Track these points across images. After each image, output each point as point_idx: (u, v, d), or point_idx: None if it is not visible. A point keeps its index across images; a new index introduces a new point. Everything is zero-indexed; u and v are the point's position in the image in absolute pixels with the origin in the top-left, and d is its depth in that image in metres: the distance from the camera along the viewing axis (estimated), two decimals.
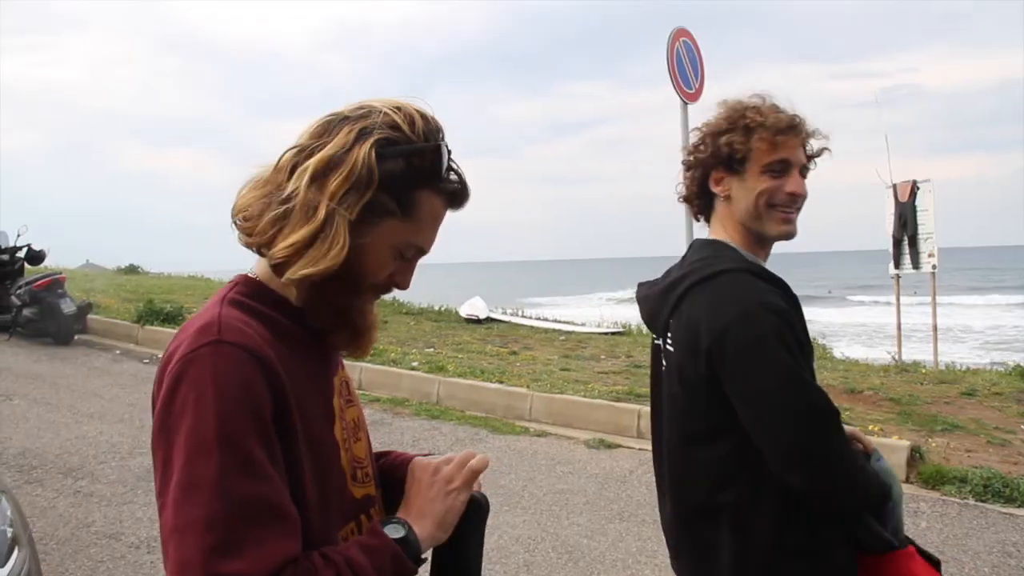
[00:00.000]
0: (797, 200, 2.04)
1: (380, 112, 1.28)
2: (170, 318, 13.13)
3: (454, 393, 9.15)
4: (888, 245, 11.87)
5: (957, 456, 6.50)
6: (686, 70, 7.87)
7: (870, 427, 6.90)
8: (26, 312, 12.78)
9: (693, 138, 2.15)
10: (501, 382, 9.13)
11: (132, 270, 24.85)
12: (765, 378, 1.86)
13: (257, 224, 1.29)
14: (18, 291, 12.99)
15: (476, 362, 10.48)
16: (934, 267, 11.34)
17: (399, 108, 1.30)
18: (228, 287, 1.34)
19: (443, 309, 16.56)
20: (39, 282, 12.87)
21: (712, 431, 1.96)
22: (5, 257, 13.70)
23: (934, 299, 11.51)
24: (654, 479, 2.29)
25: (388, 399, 9.27)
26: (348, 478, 1.36)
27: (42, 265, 14.99)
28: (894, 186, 11.69)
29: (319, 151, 1.26)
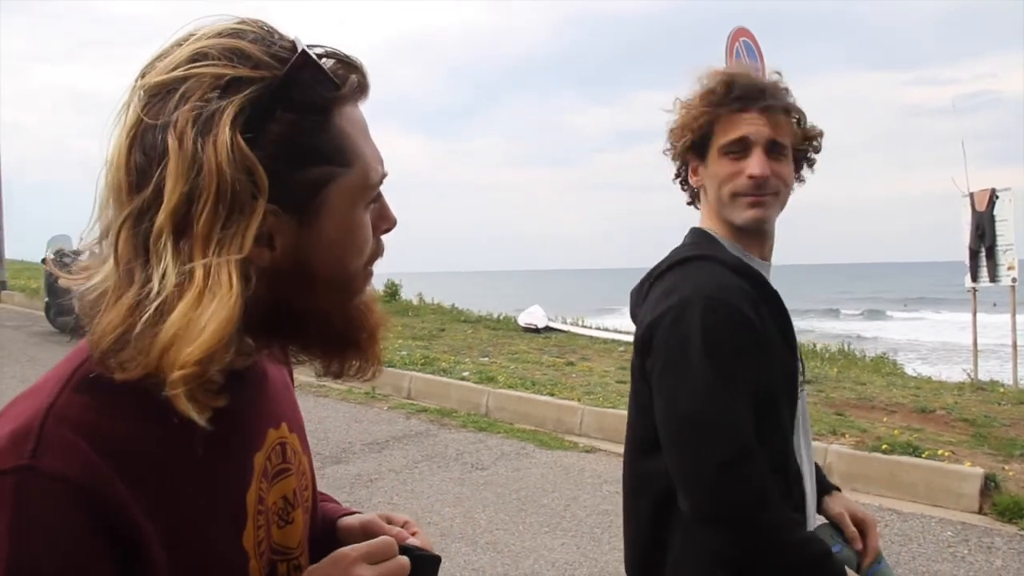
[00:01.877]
0: (764, 184, 1.75)
1: (195, 77, 0.83)
2: None
3: (503, 405, 8.90)
4: (964, 256, 11.30)
5: None
6: None
7: (940, 451, 6.45)
8: None
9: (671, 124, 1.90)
10: (552, 394, 8.85)
11: None
12: (678, 389, 1.64)
13: (128, 360, 0.83)
14: None
15: (529, 373, 10.22)
16: (1014, 280, 10.74)
17: (210, 53, 0.85)
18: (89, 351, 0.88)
19: (501, 317, 16.37)
20: None
21: (654, 440, 1.72)
22: (68, 260, 13.93)
23: (1014, 314, 10.90)
24: None
25: (436, 409, 9.08)
26: None
27: None
28: (971, 195, 11.11)
29: (158, 202, 0.82)
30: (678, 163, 1.90)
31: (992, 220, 10.91)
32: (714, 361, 1.61)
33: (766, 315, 1.71)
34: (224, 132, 0.80)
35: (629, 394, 1.93)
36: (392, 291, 17.83)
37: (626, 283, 2.15)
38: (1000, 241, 10.87)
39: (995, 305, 12.73)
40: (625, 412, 6.88)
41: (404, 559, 1.02)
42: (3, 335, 14.56)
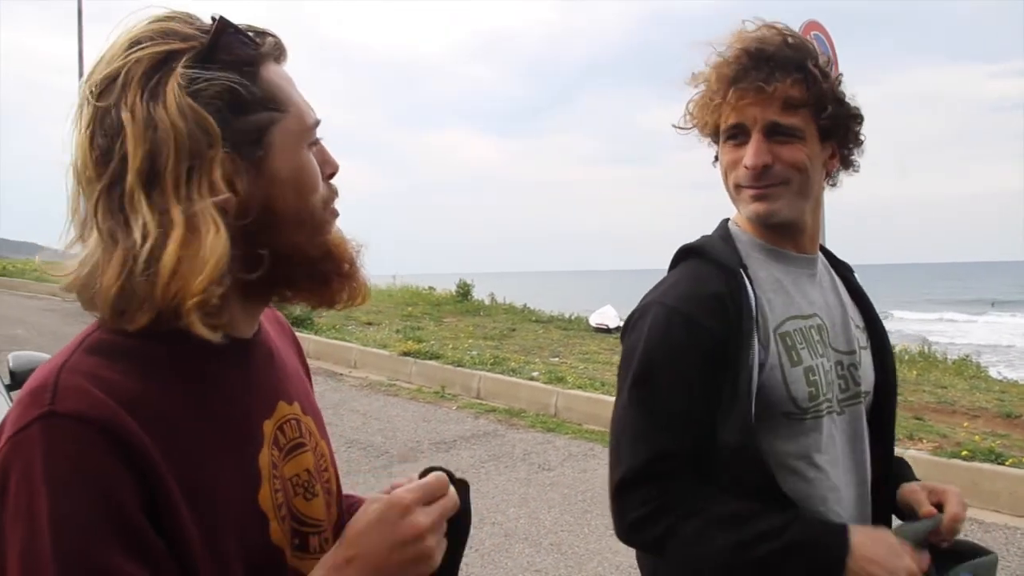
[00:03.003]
0: (765, 174, 1.59)
1: (135, 61, 0.94)
2: (298, 322, 12.91)
3: (572, 405, 8.84)
4: None
5: None
6: None
7: None
8: None
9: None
10: None
11: None
12: (616, 398, 1.65)
13: (134, 310, 0.94)
14: None
15: (599, 373, 10.14)
16: None
17: (142, 38, 0.96)
18: (97, 322, 1.00)
19: (573, 317, 16.30)
20: None
21: None
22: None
23: None
24: None
25: (504, 409, 9.06)
26: (287, 552, 1.05)
27: None
28: None
29: (124, 168, 0.92)
30: (715, 148, 1.74)
31: None
32: (643, 374, 1.57)
33: (740, 324, 1.57)
34: (171, 95, 0.92)
35: None
36: (464, 291, 17.91)
37: None
38: None
39: None
40: None
41: (454, 493, 1.05)
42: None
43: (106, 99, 0.94)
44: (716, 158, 1.73)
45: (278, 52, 1.05)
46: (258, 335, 1.13)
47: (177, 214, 0.91)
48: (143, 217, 0.91)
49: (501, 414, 8.89)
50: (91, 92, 0.96)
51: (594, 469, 6.90)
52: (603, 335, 14.23)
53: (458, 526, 1.07)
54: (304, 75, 1.09)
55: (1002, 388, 9.90)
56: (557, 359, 11.41)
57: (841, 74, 1.67)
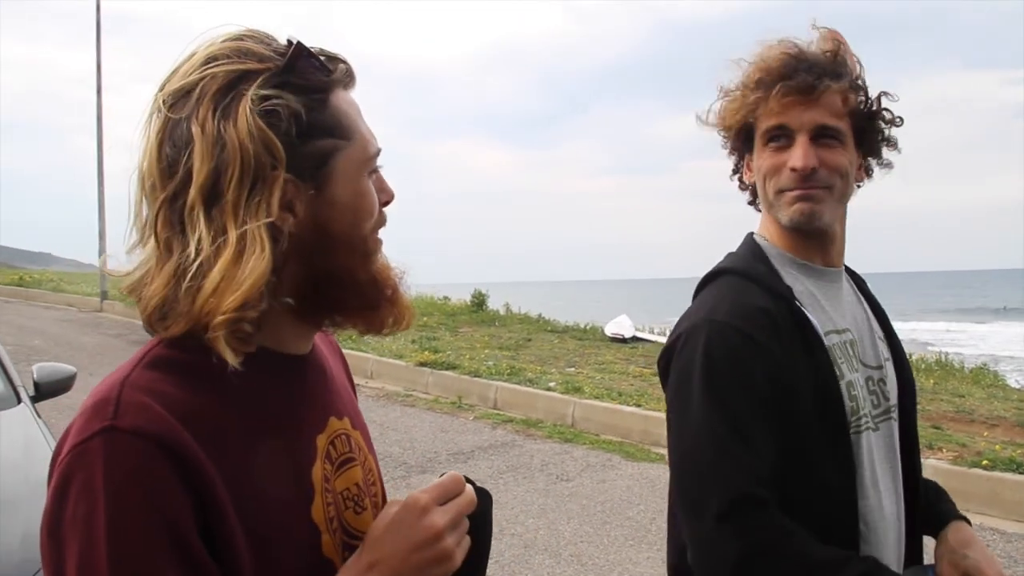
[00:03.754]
0: (811, 177, 1.54)
1: (210, 76, 0.97)
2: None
3: (590, 416, 8.86)
4: None
5: None
6: None
7: None
8: None
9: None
10: (639, 405, 8.77)
11: None
12: (677, 425, 1.52)
13: (173, 319, 0.97)
14: None
15: (616, 383, 10.16)
16: None
17: (220, 55, 0.98)
18: (159, 337, 1.02)
19: (588, 327, 16.30)
20: None
21: None
22: None
23: None
24: None
25: (522, 420, 9.08)
26: (339, 565, 1.06)
27: None
28: None
29: (188, 182, 0.94)
30: (735, 158, 1.70)
31: None
32: (712, 396, 1.46)
33: (790, 340, 1.52)
34: (243, 114, 0.94)
35: None
36: (479, 301, 17.93)
37: None
38: None
39: None
40: None
41: (471, 490, 1.07)
42: (105, 343, 15.17)
43: (178, 111, 0.97)
44: (735, 170, 1.71)
45: (348, 79, 1.07)
46: (311, 352, 1.16)
47: (232, 234, 0.93)
48: (199, 232, 0.94)
49: (518, 424, 8.90)
50: (163, 102, 0.98)
51: (612, 480, 6.90)
52: (619, 345, 14.23)
53: (478, 537, 1.08)
54: None
55: (1020, 397, 9.85)
56: (573, 369, 11.43)
57: (888, 93, 1.64)
